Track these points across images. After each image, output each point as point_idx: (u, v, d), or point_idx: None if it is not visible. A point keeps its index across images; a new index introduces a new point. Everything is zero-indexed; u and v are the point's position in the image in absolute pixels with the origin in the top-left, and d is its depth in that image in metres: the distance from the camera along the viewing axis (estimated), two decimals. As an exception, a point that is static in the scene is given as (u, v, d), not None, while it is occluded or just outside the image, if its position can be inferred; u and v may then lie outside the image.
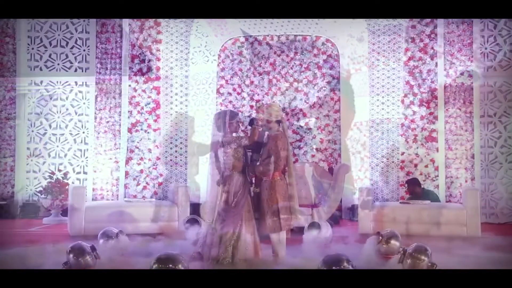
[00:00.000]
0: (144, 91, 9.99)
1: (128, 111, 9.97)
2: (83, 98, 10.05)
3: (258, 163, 5.92)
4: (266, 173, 5.81)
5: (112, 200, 9.77)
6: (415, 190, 8.89)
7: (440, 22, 9.69)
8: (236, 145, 5.88)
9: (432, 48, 9.76)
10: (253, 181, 6.00)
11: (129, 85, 9.98)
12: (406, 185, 9.23)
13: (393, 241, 6.44)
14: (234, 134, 6.03)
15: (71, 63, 10.03)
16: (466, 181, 9.58)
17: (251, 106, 10.16)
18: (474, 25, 9.61)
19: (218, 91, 10.20)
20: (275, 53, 10.19)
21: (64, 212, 8.99)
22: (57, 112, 10.01)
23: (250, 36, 10.17)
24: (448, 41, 9.72)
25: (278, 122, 5.92)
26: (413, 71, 9.79)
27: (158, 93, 10.02)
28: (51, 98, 10.00)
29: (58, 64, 10.02)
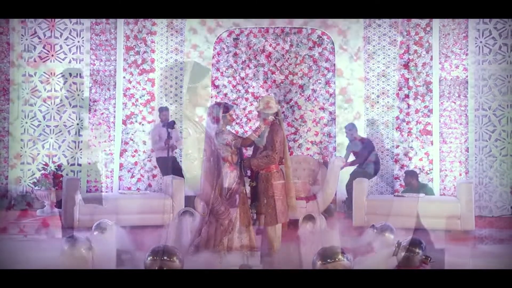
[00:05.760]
0: (138, 83, 9.95)
1: (123, 103, 9.94)
2: (77, 89, 10.00)
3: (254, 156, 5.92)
4: (262, 166, 5.81)
5: (106, 192, 9.74)
6: (411, 182, 8.90)
7: (436, 15, 9.69)
8: (229, 139, 5.87)
9: (428, 41, 9.76)
10: (249, 175, 5.98)
11: (124, 77, 9.93)
12: (404, 176, 9.21)
13: (387, 234, 6.48)
14: (227, 127, 6.02)
15: (65, 54, 9.97)
16: (460, 175, 9.61)
17: (246, 99, 10.13)
18: (469, 19, 9.62)
19: (213, 83, 10.17)
20: (270, 45, 10.16)
21: (58, 204, 8.97)
22: (51, 103, 9.95)
23: (246, 28, 10.13)
24: (443, 34, 9.72)
25: (275, 114, 5.91)
26: (408, 64, 9.79)
27: (153, 85, 9.98)
28: (45, 90, 9.94)
29: (52, 55, 9.96)
